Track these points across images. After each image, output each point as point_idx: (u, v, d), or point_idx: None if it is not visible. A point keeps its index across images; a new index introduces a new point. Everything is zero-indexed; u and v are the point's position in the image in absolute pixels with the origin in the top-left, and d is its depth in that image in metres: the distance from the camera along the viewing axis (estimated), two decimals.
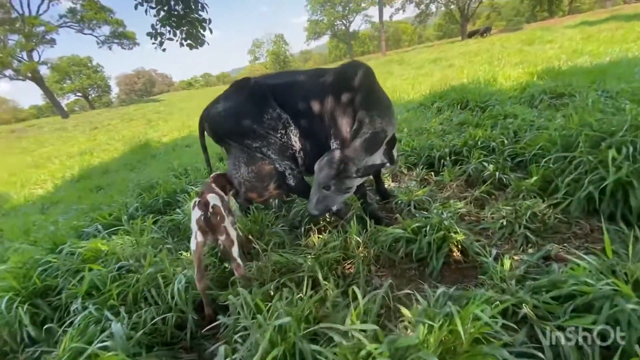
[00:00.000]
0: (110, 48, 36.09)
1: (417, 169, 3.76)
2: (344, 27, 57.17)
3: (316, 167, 2.37)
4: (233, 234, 2.20)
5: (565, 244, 2.23)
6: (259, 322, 1.69)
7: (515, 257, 2.19)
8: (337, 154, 2.34)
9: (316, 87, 2.53)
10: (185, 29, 5.89)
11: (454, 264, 2.26)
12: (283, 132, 2.53)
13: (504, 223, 2.47)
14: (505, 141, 3.62)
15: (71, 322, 2.15)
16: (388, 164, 2.66)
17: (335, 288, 2.11)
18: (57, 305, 2.42)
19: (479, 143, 3.71)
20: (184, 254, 2.89)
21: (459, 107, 5.74)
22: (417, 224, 2.40)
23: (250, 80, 2.59)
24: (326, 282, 2.12)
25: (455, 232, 2.29)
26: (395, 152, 2.84)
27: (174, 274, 2.36)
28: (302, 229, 2.91)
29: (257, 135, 2.50)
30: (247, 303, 1.87)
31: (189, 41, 5.90)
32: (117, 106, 37.48)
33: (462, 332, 1.28)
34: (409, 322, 1.55)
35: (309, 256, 2.39)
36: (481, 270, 2.12)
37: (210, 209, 2.10)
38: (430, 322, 1.36)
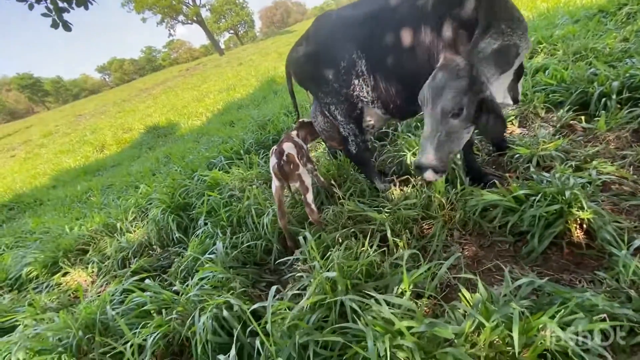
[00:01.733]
0: None
1: (561, 111, 2.82)
2: None
3: (426, 93, 1.75)
4: (308, 181, 2.27)
5: None
6: (315, 269, 1.80)
7: None
8: (458, 60, 1.70)
9: (413, 10, 2.04)
10: None
11: (571, 247, 1.74)
12: (356, 82, 2.26)
13: None
14: None
15: (198, 234, 2.82)
16: (511, 103, 2.03)
17: (406, 246, 2.00)
18: (193, 217, 3.19)
19: None
20: None
21: None
22: (523, 191, 1.89)
23: (331, 15, 2.32)
24: (396, 239, 2.02)
25: (581, 208, 1.71)
26: (520, 88, 2.16)
27: (265, 207, 2.70)
28: (390, 178, 2.75)
29: (330, 90, 2.33)
30: (312, 247, 1.99)
31: None
32: (259, 40, 41.12)
33: (516, 342, 1.02)
34: (464, 312, 1.35)
35: (385, 209, 2.28)
36: (608, 264, 1.57)
37: (285, 158, 2.19)
38: (481, 319, 1.14)
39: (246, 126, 5.21)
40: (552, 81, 3.15)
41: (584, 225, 1.73)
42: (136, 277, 2.48)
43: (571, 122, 2.72)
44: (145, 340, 1.81)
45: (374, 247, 1.91)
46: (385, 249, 1.96)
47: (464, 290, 1.45)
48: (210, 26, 46.65)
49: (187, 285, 2.16)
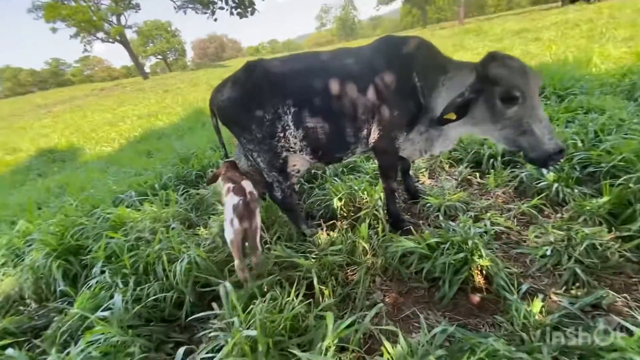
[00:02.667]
0: (185, 12, 37.93)
1: (461, 167, 3.28)
2: None
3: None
4: (260, 220, 2.14)
5: (628, 294, 1.74)
6: (233, 326, 1.62)
7: (553, 298, 1.79)
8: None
9: (348, 68, 2.22)
10: None
11: (474, 292, 1.93)
12: (281, 135, 2.27)
13: (550, 251, 2.02)
14: (579, 144, 2.94)
15: (90, 284, 2.34)
16: None
17: (331, 295, 1.97)
18: (86, 264, 2.67)
19: None
20: (202, 230, 2.97)
21: None
22: (435, 239, 2.08)
23: (261, 65, 2.29)
24: (322, 287, 1.98)
25: (480, 256, 1.93)
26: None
27: (180, 252, 2.41)
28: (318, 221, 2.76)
29: (253, 138, 2.30)
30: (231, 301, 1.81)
31: (239, 10, 5.80)
32: (190, 70, 40.03)
33: None
34: None
35: (312, 255, 2.25)
36: (504, 307, 1.77)
37: (248, 195, 2.04)
38: None
39: (166, 158, 4.80)
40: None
41: (484, 272, 1.95)
42: None
43: (469, 177, 3.18)
44: None
45: (300, 297, 1.83)
46: (311, 299, 1.89)
47: (386, 343, 1.46)
48: (136, 49, 43.98)
49: (68, 354, 1.73)
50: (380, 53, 2.24)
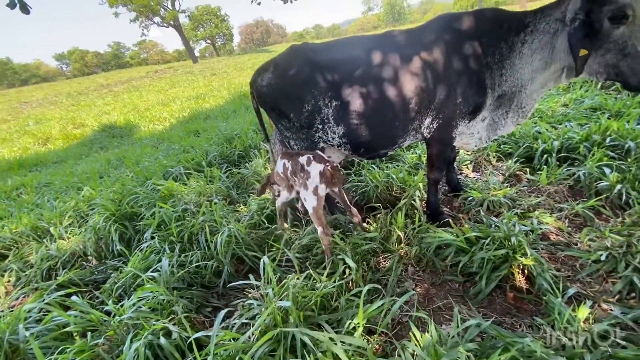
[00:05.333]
0: None
1: (510, 162, 3.08)
2: None
3: None
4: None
5: None
6: (267, 297, 1.71)
7: (603, 306, 1.65)
8: None
9: (400, 53, 2.05)
10: None
11: (513, 291, 1.84)
12: (320, 127, 2.21)
13: (604, 256, 1.85)
14: None
15: (142, 248, 2.58)
16: None
17: (360, 280, 1.99)
18: (139, 229, 2.93)
19: (608, 140, 2.78)
20: (242, 207, 3.12)
21: (598, 85, 4.37)
22: (475, 233, 2.00)
23: (304, 51, 2.18)
24: (352, 271, 2.00)
25: (524, 255, 1.83)
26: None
27: (221, 225, 2.56)
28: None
29: (291, 126, 2.24)
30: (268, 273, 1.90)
31: None
32: (236, 54, 41.09)
33: None
34: (413, 352, 1.34)
35: (349, 239, 2.26)
36: (545, 310, 1.67)
37: (327, 163, 2.04)
38: None
39: (212, 138, 5.05)
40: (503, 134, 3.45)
41: (526, 271, 1.85)
42: (62, 292, 2.19)
43: (518, 172, 2.98)
44: None
45: (334, 279, 1.87)
46: (342, 281, 1.93)
47: (414, 330, 1.45)
48: (187, 33, 45.93)
49: (122, 306, 1.94)
50: (435, 31, 2.06)
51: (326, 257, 2.11)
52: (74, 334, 1.84)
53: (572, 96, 4.17)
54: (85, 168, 5.79)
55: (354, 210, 2.25)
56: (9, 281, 2.70)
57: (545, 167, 2.80)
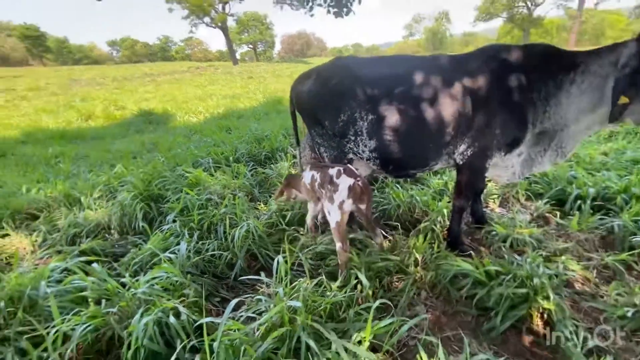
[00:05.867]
0: (282, 8, 40.25)
1: (540, 202, 2.98)
2: (526, 10, 47.68)
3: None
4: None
5: None
6: (277, 295, 1.72)
7: None
8: None
9: (443, 76, 2.07)
10: None
11: (528, 333, 1.76)
12: (352, 138, 2.23)
13: (632, 314, 1.75)
14: None
15: (163, 229, 2.67)
16: None
17: (370, 295, 1.96)
18: (162, 211, 3.04)
19: None
20: (262, 205, 3.18)
21: None
22: (495, 267, 1.94)
23: (348, 65, 2.24)
24: (365, 288, 1.97)
25: (545, 298, 1.75)
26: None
27: (241, 219, 2.61)
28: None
29: (324, 133, 2.29)
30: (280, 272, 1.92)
31: (335, 9, 6.00)
32: (275, 62, 42.41)
33: None
34: None
35: (364, 254, 2.25)
36: (561, 359, 1.59)
37: (358, 178, 2.00)
38: None
39: (242, 136, 5.20)
40: (536, 173, 3.36)
41: (545, 315, 1.76)
42: (83, 258, 2.29)
43: (547, 214, 2.87)
44: (73, 329, 1.63)
45: (345, 290, 1.86)
46: (352, 293, 1.91)
47: (422, 353, 1.41)
48: (232, 35, 47.95)
49: (137, 281, 2.00)
50: (482, 59, 2.05)
51: (340, 270, 2.10)
52: (89, 300, 1.92)
53: (613, 145, 4.01)
54: (120, 147, 6.10)
55: (378, 230, 2.21)
56: (35, 241, 2.85)
57: (577, 212, 2.69)
